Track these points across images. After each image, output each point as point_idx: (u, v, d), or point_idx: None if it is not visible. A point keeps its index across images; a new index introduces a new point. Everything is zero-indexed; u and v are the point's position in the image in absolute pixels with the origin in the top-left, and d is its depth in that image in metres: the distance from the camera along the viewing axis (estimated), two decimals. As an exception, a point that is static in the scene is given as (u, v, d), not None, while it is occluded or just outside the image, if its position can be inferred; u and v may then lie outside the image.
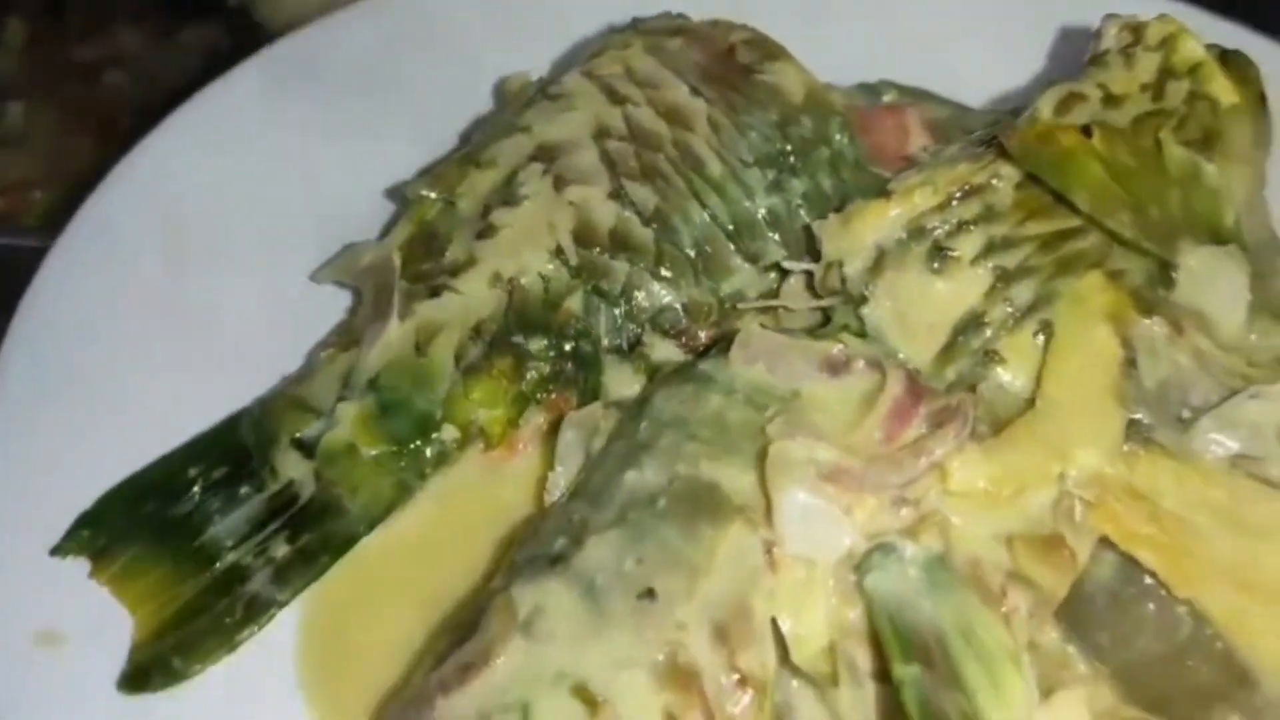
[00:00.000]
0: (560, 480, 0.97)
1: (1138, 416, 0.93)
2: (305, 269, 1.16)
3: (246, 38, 1.41)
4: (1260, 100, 1.09)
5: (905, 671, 0.78)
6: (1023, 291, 0.96)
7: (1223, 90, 1.07)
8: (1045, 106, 1.02)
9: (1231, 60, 1.09)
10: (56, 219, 1.14)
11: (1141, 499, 0.87)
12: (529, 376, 1.06)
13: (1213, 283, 0.99)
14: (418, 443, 1.04)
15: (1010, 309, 0.96)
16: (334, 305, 1.15)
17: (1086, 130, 0.98)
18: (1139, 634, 0.90)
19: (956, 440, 0.85)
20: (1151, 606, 0.89)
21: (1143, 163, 1.00)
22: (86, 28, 1.67)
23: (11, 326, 1.03)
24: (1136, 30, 1.08)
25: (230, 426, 1.06)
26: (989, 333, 0.95)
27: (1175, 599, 0.89)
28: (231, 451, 1.04)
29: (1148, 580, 0.89)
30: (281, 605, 0.97)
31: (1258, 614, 0.87)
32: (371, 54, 1.25)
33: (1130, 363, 0.94)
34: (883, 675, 0.83)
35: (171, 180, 1.16)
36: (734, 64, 1.17)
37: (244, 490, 1.02)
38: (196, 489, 1.01)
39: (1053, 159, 0.97)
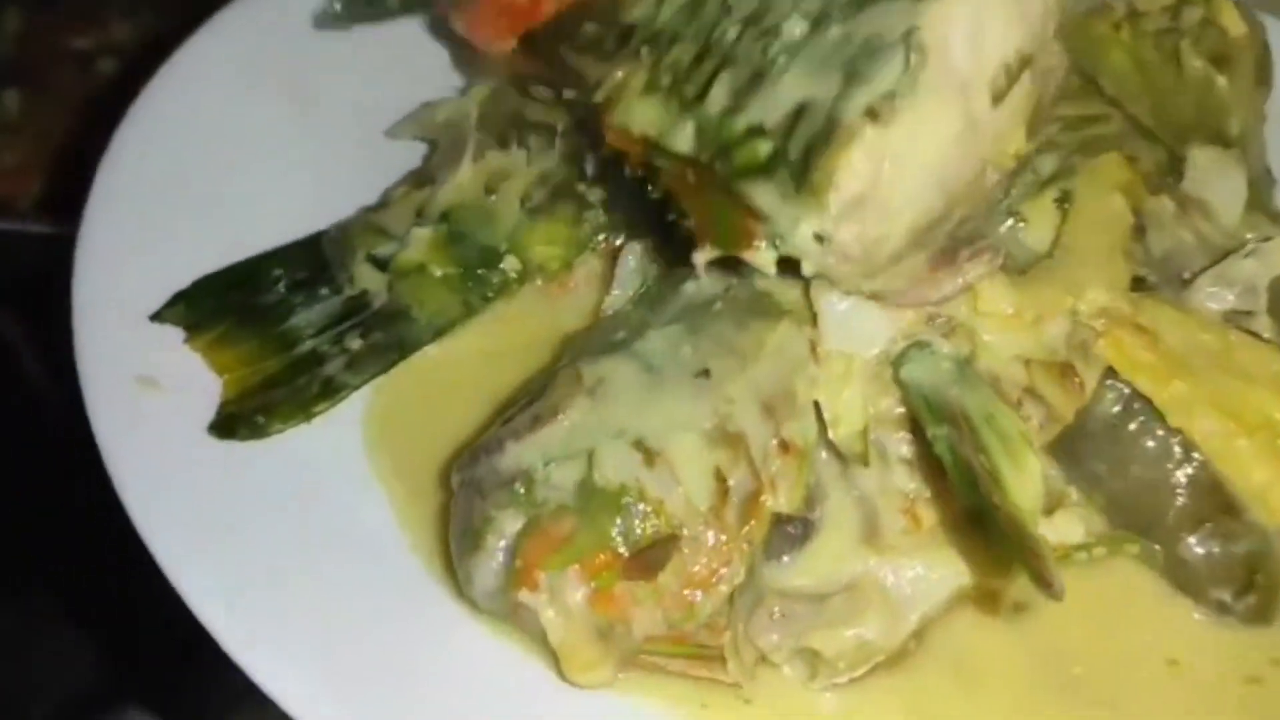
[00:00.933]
0: (618, 301, 1.07)
1: (1143, 275, 1.03)
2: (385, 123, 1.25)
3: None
4: (1264, 47, 1.21)
5: (937, 430, 0.87)
6: (1046, 163, 1.06)
7: (1231, 21, 1.19)
8: (1078, 7, 1.13)
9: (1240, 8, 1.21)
10: (51, 205, 1.19)
11: (1144, 331, 0.97)
12: (587, 222, 1.15)
13: (1216, 178, 1.10)
14: (483, 269, 1.13)
15: (1034, 176, 1.06)
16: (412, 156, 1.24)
17: (1115, 26, 1.09)
18: (1133, 462, 1.00)
19: (990, 266, 0.95)
20: (1146, 438, 0.99)
21: (1164, 62, 1.11)
22: (80, 17, 1.73)
23: (127, 117, 1.12)
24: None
25: (313, 241, 1.15)
26: (1014, 193, 1.05)
27: (1169, 430, 0.99)
28: (314, 259, 1.13)
29: (1143, 415, 0.99)
30: (354, 388, 1.05)
31: (1243, 444, 0.97)
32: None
33: (1140, 230, 1.05)
34: (908, 460, 0.93)
35: (270, 29, 1.27)
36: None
37: (324, 291, 1.11)
38: (281, 285, 1.10)
39: (1085, 45, 1.07)
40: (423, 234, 1.13)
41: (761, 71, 0.86)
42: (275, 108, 1.23)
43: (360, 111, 1.26)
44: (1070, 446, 1.00)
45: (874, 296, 0.93)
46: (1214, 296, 1.03)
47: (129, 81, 1.19)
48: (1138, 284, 1.03)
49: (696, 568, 0.87)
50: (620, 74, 0.93)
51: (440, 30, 1.26)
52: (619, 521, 0.87)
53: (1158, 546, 1.00)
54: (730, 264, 0.87)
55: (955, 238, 0.95)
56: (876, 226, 0.84)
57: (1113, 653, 0.97)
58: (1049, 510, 0.99)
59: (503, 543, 0.88)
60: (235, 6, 1.28)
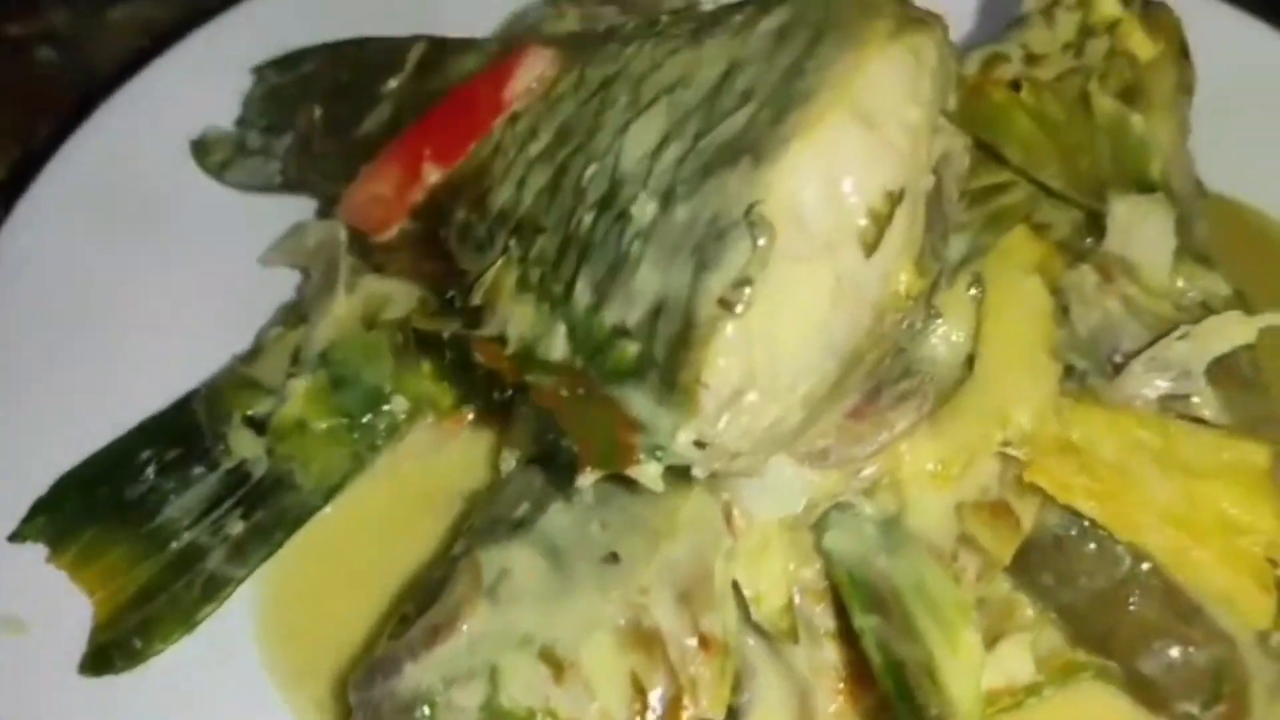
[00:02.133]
0: (514, 456, 0.99)
1: (1072, 363, 0.96)
2: (254, 252, 1.16)
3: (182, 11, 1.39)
4: (1182, 50, 1.12)
5: (865, 621, 0.81)
6: (955, 245, 0.98)
7: (1141, 45, 1.10)
8: (971, 67, 1.04)
9: (1153, 11, 1.12)
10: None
11: (1074, 451, 0.90)
12: (477, 349, 1.07)
13: (1140, 230, 1.02)
14: (369, 415, 1.05)
15: (944, 266, 0.98)
16: (284, 287, 1.15)
17: (1015, 85, 1.00)
18: (1081, 573, 0.94)
19: (917, 415, 0.88)
20: (1092, 546, 0.93)
21: (1071, 115, 1.03)
22: (17, 4, 1.63)
23: None
24: (1055, -9, 1.11)
25: (181, 408, 1.06)
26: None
27: (1115, 540, 0.92)
28: (184, 432, 1.04)
29: (1088, 530, 0.92)
30: (239, 582, 0.98)
31: (1196, 551, 0.91)
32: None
33: (1063, 310, 0.97)
34: (838, 633, 0.86)
35: (116, 163, 1.16)
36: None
37: (197, 470, 1.03)
38: (150, 470, 1.02)
39: (984, 114, 0.99)
40: (300, 385, 1.05)
41: (619, 263, 0.80)
42: (133, 246, 1.13)
43: (227, 238, 1.17)
44: (1018, 559, 0.94)
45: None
46: (1148, 383, 0.95)
47: (68, 70, 1.07)
48: (1067, 372, 0.95)
49: (618, 790, 0.81)
50: (491, 273, 0.88)
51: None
52: (530, 750, 0.80)
53: (1114, 664, 0.94)
54: (620, 478, 0.79)
55: (877, 378, 0.88)
56: (765, 412, 0.76)
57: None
58: (993, 640, 0.93)
59: (407, 781, 0.82)
60: (87, 128, 1.18)
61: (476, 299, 0.90)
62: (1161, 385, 0.95)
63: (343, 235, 1.10)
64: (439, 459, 1.07)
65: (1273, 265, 1.25)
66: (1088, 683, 0.96)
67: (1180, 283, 1.03)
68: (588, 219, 0.84)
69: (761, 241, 0.74)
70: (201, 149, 1.22)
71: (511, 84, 0.98)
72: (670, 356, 0.75)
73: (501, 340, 0.86)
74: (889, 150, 0.78)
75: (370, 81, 1.14)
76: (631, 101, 0.87)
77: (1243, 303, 1.03)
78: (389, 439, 1.05)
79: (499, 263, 0.90)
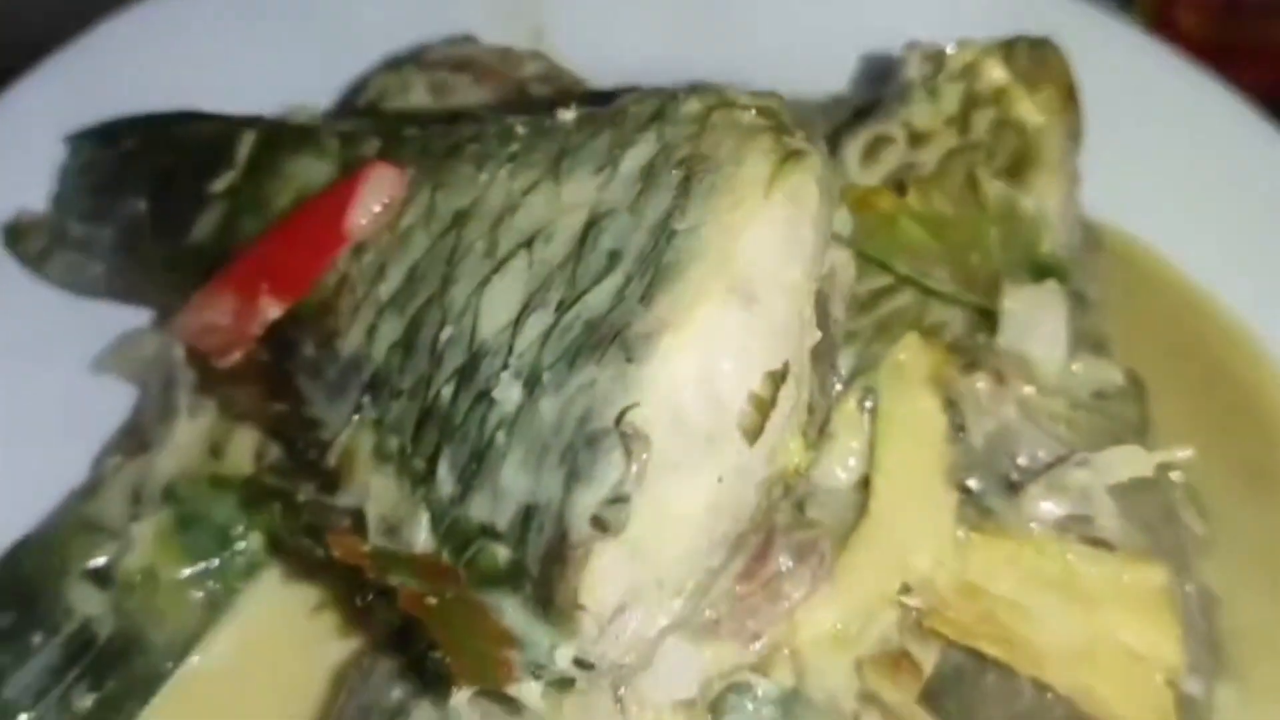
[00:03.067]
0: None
1: (969, 484, 0.92)
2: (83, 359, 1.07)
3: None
4: (1070, 95, 1.08)
5: (765, 824, 0.76)
6: (844, 358, 0.94)
7: (1029, 112, 1.06)
8: (852, 157, 0.99)
9: (1040, 51, 1.08)
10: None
11: (974, 595, 0.87)
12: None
13: (1033, 323, 0.99)
14: (223, 555, 0.97)
15: (834, 378, 0.93)
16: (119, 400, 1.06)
17: (900, 188, 0.95)
18: (983, 704, 0.90)
19: (812, 582, 0.83)
20: (992, 678, 0.90)
21: (959, 208, 0.98)
22: None
23: None
24: (937, 59, 1.05)
25: (12, 562, 0.97)
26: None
27: (1016, 673, 0.89)
28: (18, 594, 0.96)
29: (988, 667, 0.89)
30: (91, 768, 0.90)
31: (1100, 682, 0.88)
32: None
33: (958, 427, 0.93)
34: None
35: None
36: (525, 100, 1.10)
37: (36, 639, 0.94)
38: (-16, 643, 0.93)
39: (871, 226, 0.93)
40: (145, 529, 0.97)
41: (482, 451, 0.74)
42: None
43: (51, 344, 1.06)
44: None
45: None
46: (1045, 505, 0.92)
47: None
48: (964, 497, 0.92)
49: None
50: (346, 433, 0.83)
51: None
52: None
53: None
54: (496, 695, 0.73)
55: (767, 528, 0.83)
56: (650, 623, 0.72)
57: None
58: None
59: None
60: None
61: (331, 462, 0.84)
62: (1060, 510, 0.92)
63: (179, 351, 1.01)
64: (300, 598, 0.99)
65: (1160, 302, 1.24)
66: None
67: (1075, 368, 1.00)
68: (446, 392, 0.78)
69: (637, 453, 0.68)
70: (15, 235, 1.11)
71: (353, 211, 0.89)
72: (544, 572, 0.70)
73: (359, 519, 0.80)
74: (769, 325, 0.72)
75: (198, 174, 1.04)
76: (488, 250, 0.80)
77: (1137, 386, 1.01)
78: (247, 578, 0.98)
79: (354, 422, 0.83)
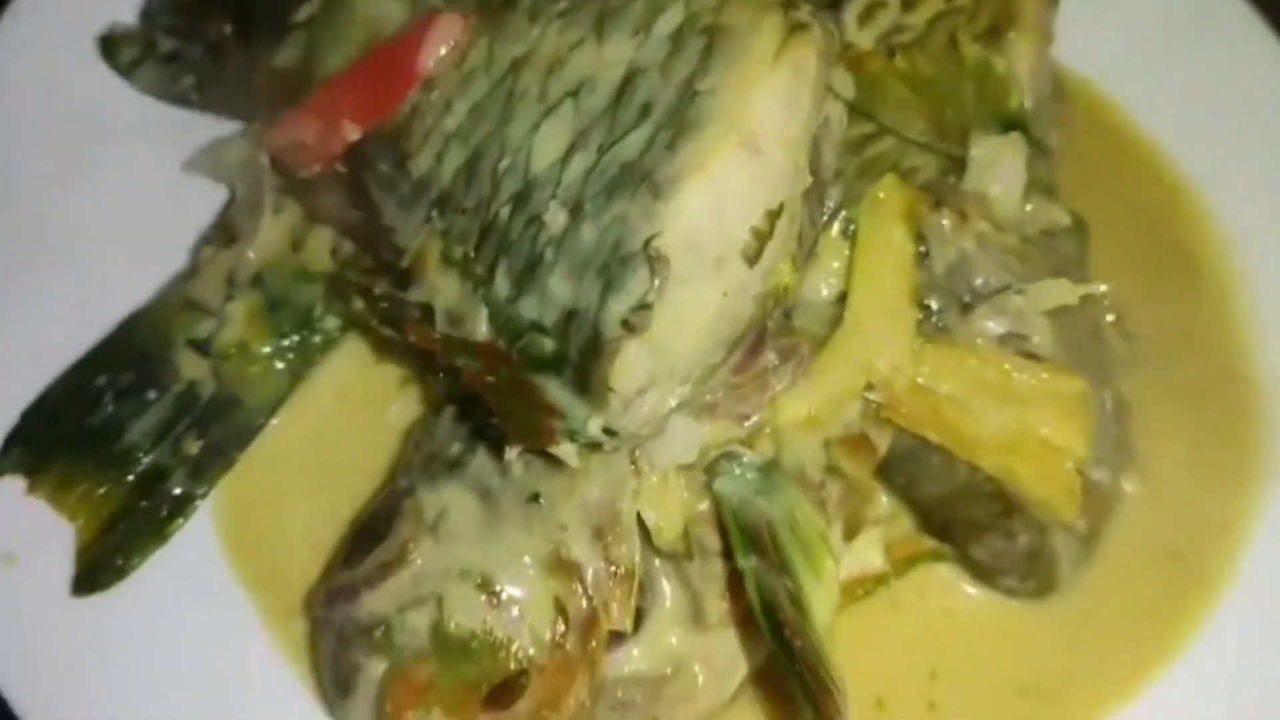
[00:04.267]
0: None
1: (929, 303, 1.10)
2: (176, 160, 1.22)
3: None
4: None
5: (746, 563, 0.97)
6: (832, 194, 1.10)
7: (1012, -24, 1.19)
8: (850, 18, 1.13)
9: None
10: None
11: (924, 393, 1.06)
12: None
13: (995, 168, 1.14)
14: (304, 333, 1.16)
15: (821, 211, 1.09)
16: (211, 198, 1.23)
17: (890, 53, 1.10)
18: (927, 479, 1.12)
19: (794, 375, 1.02)
20: (936, 460, 1.10)
21: (941, 68, 1.13)
22: None
23: None
24: (931, -68, 1.19)
25: (127, 331, 1.15)
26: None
27: (955, 457, 1.09)
28: (134, 357, 1.14)
29: (931, 450, 1.09)
30: (202, 498, 1.11)
31: (1022, 466, 1.08)
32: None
33: (924, 255, 1.11)
34: (724, 552, 1.02)
35: (25, 68, 1.21)
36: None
37: (151, 394, 1.13)
38: (108, 397, 1.12)
39: (861, 83, 1.09)
40: (239, 308, 1.15)
41: (533, 263, 0.92)
42: (52, 157, 1.20)
43: (148, 147, 1.23)
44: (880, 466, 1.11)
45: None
46: (990, 323, 1.10)
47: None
48: (924, 311, 1.10)
49: (547, 692, 0.98)
50: (418, 240, 0.99)
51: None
52: (474, 663, 0.97)
53: (950, 549, 1.14)
54: (540, 452, 0.93)
55: (758, 330, 1.01)
56: (664, 403, 0.91)
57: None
58: (852, 534, 1.11)
59: (372, 688, 0.98)
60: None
61: (405, 263, 1.01)
62: (1002, 326, 1.10)
63: (264, 158, 1.16)
64: (371, 365, 1.18)
65: (1118, 153, 1.40)
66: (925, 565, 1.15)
67: (1029, 208, 1.16)
68: (504, 213, 0.95)
69: (660, 270, 0.86)
70: (110, 46, 1.26)
71: (424, 54, 1.05)
72: (582, 361, 0.89)
73: (428, 312, 0.98)
74: (770, 172, 0.89)
75: (279, 7, 1.18)
76: (540, 96, 0.97)
77: (1080, 228, 1.17)
78: (324, 352, 1.17)
79: (424, 231, 1.00)
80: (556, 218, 0.92)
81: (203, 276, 1.17)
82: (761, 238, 0.89)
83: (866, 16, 1.15)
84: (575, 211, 0.91)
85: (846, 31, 1.14)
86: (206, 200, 1.22)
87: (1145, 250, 1.33)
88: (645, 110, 0.92)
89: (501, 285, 0.94)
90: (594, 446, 0.94)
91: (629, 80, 0.94)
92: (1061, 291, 1.08)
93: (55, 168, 1.20)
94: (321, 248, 1.16)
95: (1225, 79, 1.38)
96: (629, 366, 0.88)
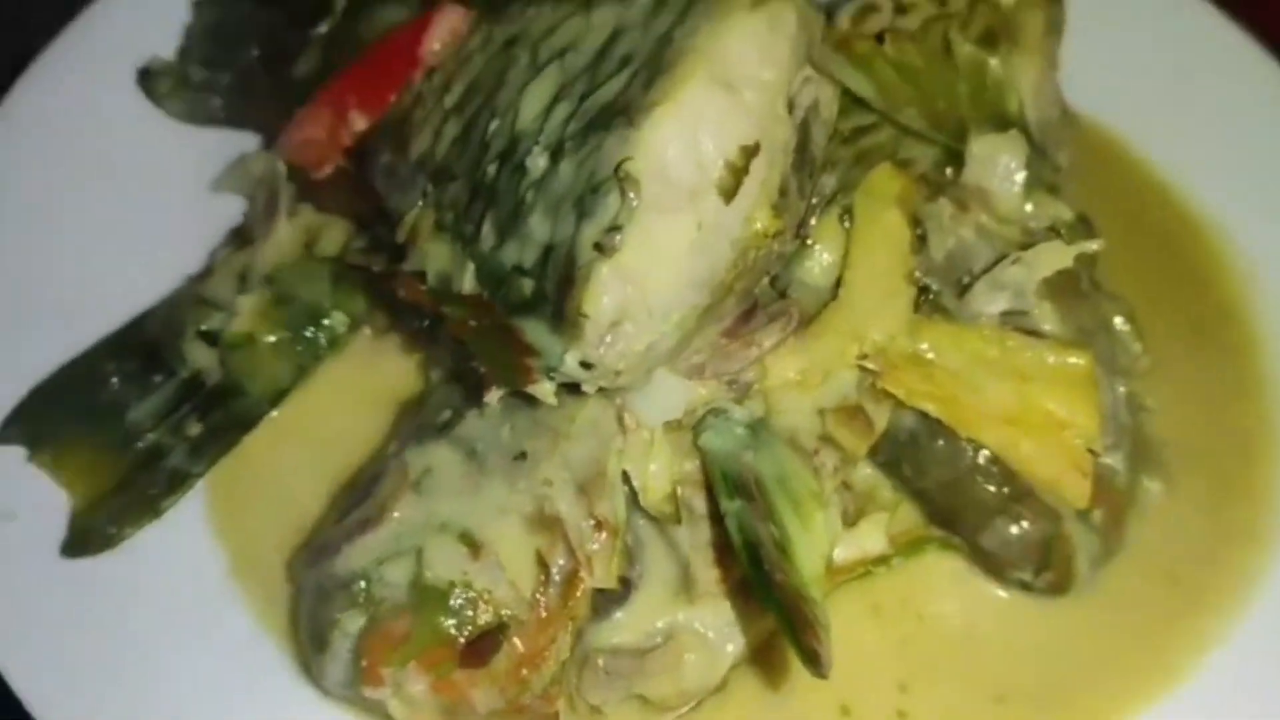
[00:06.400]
0: (435, 371, 1.13)
1: (927, 283, 1.10)
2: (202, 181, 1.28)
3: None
4: None
5: (729, 505, 0.95)
6: (828, 181, 1.11)
7: (1000, -8, 1.22)
8: (844, 19, 1.16)
9: None
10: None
11: (922, 363, 1.05)
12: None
13: (994, 163, 1.15)
14: (311, 329, 1.18)
15: (818, 199, 1.11)
16: (230, 212, 1.27)
17: (879, 38, 1.13)
18: (932, 464, 1.09)
19: (782, 334, 1.02)
20: (941, 443, 1.08)
21: (930, 61, 1.15)
22: None
23: None
24: (923, -52, 1.22)
25: (139, 324, 1.19)
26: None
27: (959, 437, 1.07)
28: (143, 345, 1.17)
29: (935, 429, 1.07)
30: (198, 477, 1.11)
31: (1027, 445, 1.05)
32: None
33: (921, 239, 1.11)
34: (714, 515, 1.01)
35: (71, 97, 1.28)
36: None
37: (157, 378, 1.15)
38: (115, 380, 1.14)
39: (848, 65, 1.11)
40: (249, 301, 1.17)
41: (516, 209, 0.93)
42: (92, 176, 1.25)
43: (177, 169, 1.28)
44: (881, 452, 1.09)
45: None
46: (989, 301, 1.09)
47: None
48: (923, 293, 1.09)
49: (526, 648, 0.96)
50: (413, 214, 1.01)
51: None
52: (451, 615, 0.95)
53: (959, 539, 1.10)
54: (520, 394, 0.93)
55: (751, 301, 1.02)
56: (641, 337, 0.90)
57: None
58: (854, 520, 1.08)
59: (348, 643, 0.96)
60: (41, 63, 1.28)
61: (400, 237, 1.03)
62: (1000, 304, 1.09)
63: (283, 167, 1.21)
64: (374, 368, 1.19)
65: (1128, 180, 1.41)
66: (933, 553, 1.12)
67: (1029, 208, 1.16)
68: (491, 169, 0.97)
69: (630, 194, 0.87)
70: (148, 78, 1.32)
71: (427, 40, 1.09)
72: (558, 292, 0.89)
73: (420, 276, 1.00)
74: (744, 110, 0.91)
75: (302, 23, 1.25)
76: (530, 62, 0.99)
77: (1085, 224, 1.17)
78: (330, 350, 1.18)
79: (419, 206, 1.03)
80: (538, 163, 0.93)
81: (216, 275, 1.20)
82: (736, 174, 0.90)
83: (859, 20, 1.18)
84: (555, 154, 0.93)
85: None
86: (231, 214, 1.27)
87: (1156, 270, 1.32)
88: (624, 61, 0.94)
89: (487, 237, 0.96)
90: (573, 388, 0.93)
91: (612, 39, 0.96)
92: (1057, 254, 1.08)
93: (91, 187, 1.25)
94: (333, 245, 1.19)
95: (1228, 104, 1.40)
96: (601, 290, 0.88)
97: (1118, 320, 1.18)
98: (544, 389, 0.92)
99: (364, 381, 1.19)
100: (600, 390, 0.96)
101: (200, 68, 1.33)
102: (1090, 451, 1.06)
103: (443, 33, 1.10)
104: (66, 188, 1.24)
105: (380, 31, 1.18)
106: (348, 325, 1.19)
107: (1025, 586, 1.11)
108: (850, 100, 1.13)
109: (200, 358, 1.16)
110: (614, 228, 0.87)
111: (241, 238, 1.23)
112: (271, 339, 1.16)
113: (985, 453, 1.07)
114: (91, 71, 1.30)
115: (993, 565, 1.11)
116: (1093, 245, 1.10)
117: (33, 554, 1.04)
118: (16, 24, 1.36)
